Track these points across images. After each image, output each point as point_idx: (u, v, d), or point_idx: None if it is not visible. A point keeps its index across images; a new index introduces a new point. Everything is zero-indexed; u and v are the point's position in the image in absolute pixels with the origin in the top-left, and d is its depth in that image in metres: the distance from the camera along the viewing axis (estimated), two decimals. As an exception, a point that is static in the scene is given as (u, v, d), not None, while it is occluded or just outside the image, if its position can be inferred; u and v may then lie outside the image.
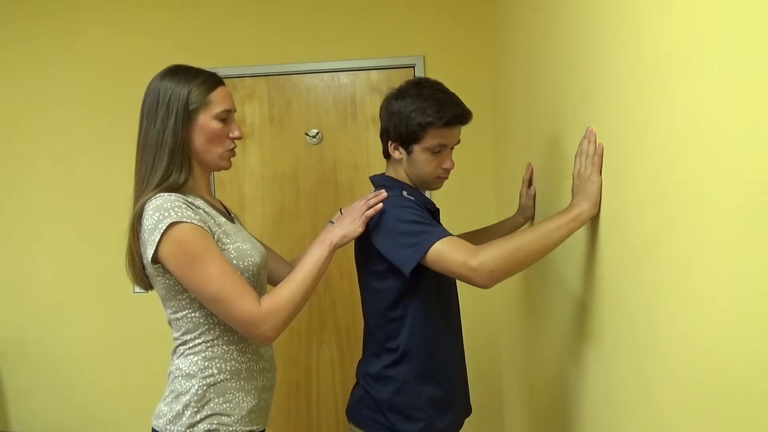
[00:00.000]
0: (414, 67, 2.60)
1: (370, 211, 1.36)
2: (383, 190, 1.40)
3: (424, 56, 2.59)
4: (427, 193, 1.82)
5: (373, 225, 1.37)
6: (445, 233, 1.27)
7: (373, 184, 1.53)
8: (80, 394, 2.67)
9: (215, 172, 1.76)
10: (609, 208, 1.13)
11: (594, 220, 1.19)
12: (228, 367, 1.31)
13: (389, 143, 1.47)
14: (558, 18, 1.44)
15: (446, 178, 1.49)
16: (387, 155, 1.52)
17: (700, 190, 0.75)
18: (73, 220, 2.67)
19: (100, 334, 2.66)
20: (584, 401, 1.30)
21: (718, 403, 0.73)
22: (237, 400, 1.31)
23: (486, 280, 1.18)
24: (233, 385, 1.31)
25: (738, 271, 0.67)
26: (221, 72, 2.78)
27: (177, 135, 1.30)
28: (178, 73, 1.35)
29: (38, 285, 2.68)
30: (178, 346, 1.33)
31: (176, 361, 1.33)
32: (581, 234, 1.27)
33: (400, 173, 1.49)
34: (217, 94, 1.34)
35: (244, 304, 1.22)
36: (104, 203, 2.64)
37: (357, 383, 1.53)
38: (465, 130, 1.49)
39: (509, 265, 1.18)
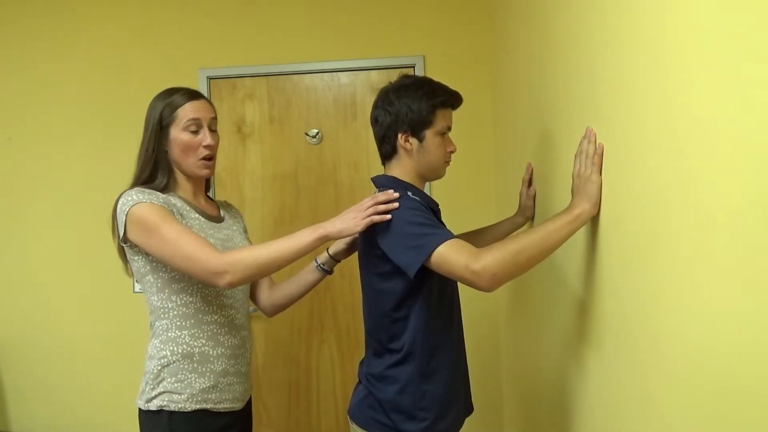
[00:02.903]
0: (414, 67, 2.59)
1: (377, 218, 1.32)
2: (392, 191, 1.36)
3: (424, 56, 2.59)
4: (426, 191, 1.82)
5: (378, 225, 1.36)
6: (450, 235, 1.26)
7: (375, 185, 1.51)
8: (80, 394, 2.67)
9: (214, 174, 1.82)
10: (609, 208, 1.13)
11: (594, 220, 1.19)
12: (180, 350, 1.44)
13: (399, 136, 1.45)
14: (558, 18, 1.44)
15: (450, 163, 1.52)
16: (388, 156, 1.51)
17: (699, 190, 0.75)
18: (72, 220, 2.67)
19: (100, 334, 2.66)
20: (584, 401, 1.30)
21: (717, 403, 0.73)
22: (189, 380, 1.44)
23: (488, 284, 1.18)
24: (185, 366, 1.44)
25: (738, 271, 0.67)
26: (221, 72, 2.77)
27: (150, 151, 1.49)
28: (162, 93, 1.53)
29: (38, 285, 2.68)
30: (150, 329, 1.51)
31: (148, 343, 1.50)
32: (581, 234, 1.27)
33: (404, 171, 1.48)
34: (185, 108, 1.49)
35: (202, 253, 1.33)
36: (104, 203, 2.62)
37: (359, 383, 1.53)
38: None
39: (512, 268, 1.18)
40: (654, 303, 0.91)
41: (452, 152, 1.51)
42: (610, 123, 1.10)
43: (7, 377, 2.70)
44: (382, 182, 1.49)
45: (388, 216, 1.32)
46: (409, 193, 1.41)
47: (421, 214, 1.32)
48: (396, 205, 1.33)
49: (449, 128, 1.49)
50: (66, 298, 2.67)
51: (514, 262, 1.17)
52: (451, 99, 1.48)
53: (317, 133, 2.65)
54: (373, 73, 2.64)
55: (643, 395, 0.96)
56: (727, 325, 0.70)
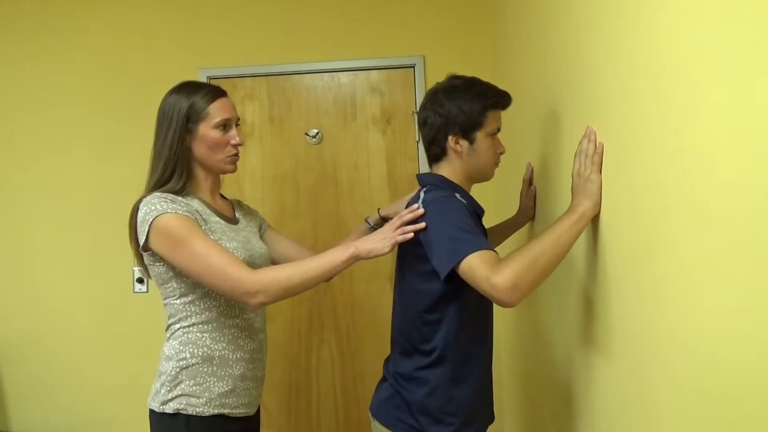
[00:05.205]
0: (414, 67, 2.60)
1: (401, 237, 1.32)
2: (417, 206, 1.34)
3: (424, 56, 2.59)
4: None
5: (421, 221, 1.33)
6: (485, 246, 1.21)
7: (420, 183, 1.48)
8: (80, 395, 2.67)
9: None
10: (609, 207, 1.13)
11: (594, 220, 1.19)
12: (200, 353, 1.42)
13: (449, 138, 1.42)
14: (558, 17, 1.44)
15: (498, 164, 1.50)
16: (437, 158, 1.47)
17: (700, 189, 0.75)
18: (73, 220, 2.67)
19: (100, 335, 2.66)
20: (583, 401, 1.30)
21: (717, 403, 0.73)
22: (208, 384, 1.42)
23: (509, 295, 1.13)
24: (205, 369, 1.42)
25: (738, 271, 0.67)
26: (221, 72, 2.77)
27: (174, 147, 1.44)
28: (182, 89, 1.49)
29: (38, 285, 2.68)
30: (166, 330, 1.48)
31: (164, 344, 1.48)
32: (581, 234, 1.26)
33: (453, 173, 1.45)
34: (215, 106, 1.46)
35: (233, 271, 1.31)
36: (104, 203, 2.64)
37: (384, 380, 1.50)
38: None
39: (531, 276, 1.14)
40: (653, 303, 0.91)
41: (501, 154, 1.48)
42: (609, 122, 1.10)
43: (7, 377, 2.70)
44: (430, 181, 1.45)
45: (410, 235, 1.32)
46: (457, 195, 1.38)
47: (465, 220, 1.29)
48: (422, 225, 1.32)
49: (498, 129, 1.46)
50: (66, 298, 2.67)
51: (533, 270, 1.13)
52: (502, 100, 1.45)
53: (317, 133, 2.65)
54: (373, 73, 2.64)
55: (643, 395, 0.96)
56: (726, 325, 0.70)
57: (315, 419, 2.65)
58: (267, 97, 2.66)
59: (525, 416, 2.07)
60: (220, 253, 1.33)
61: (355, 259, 1.35)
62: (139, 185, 1.50)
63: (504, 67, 2.25)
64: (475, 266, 1.17)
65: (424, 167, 2.59)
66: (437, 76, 1.67)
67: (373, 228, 1.74)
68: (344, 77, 2.65)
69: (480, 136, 1.42)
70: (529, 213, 1.75)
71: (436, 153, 1.47)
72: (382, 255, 1.35)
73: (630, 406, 1.03)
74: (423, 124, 1.47)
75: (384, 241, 1.34)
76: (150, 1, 2.67)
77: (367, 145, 2.63)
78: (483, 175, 1.49)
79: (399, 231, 1.33)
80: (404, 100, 2.62)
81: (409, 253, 1.42)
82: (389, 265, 2.61)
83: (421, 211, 1.33)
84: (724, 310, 0.70)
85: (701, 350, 0.76)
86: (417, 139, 2.60)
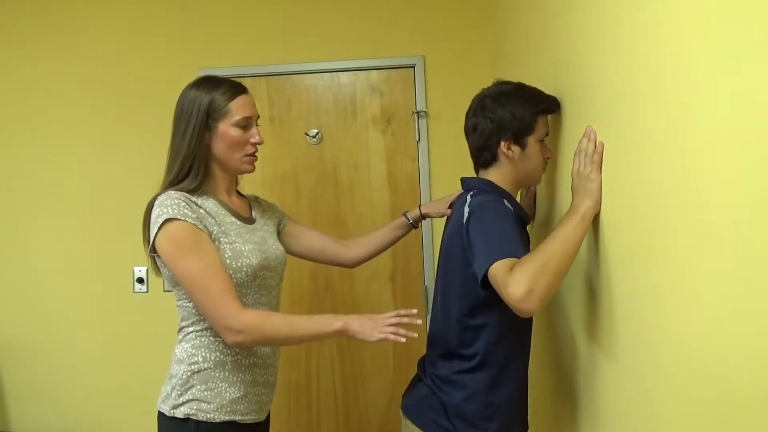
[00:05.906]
0: (414, 67, 2.59)
1: (392, 337, 1.28)
2: (416, 311, 1.33)
3: (424, 56, 2.59)
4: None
5: (472, 220, 1.31)
6: (515, 253, 1.19)
7: (466, 186, 1.47)
8: (80, 395, 2.67)
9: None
10: (609, 207, 1.13)
11: (594, 220, 1.19)
12: (212, 357, 1.39)
13: (501, 144, 1.40)
14: (558, 18, 1.44)
15: (546, 169, 1.49)
16: (486, 164, 1.45)
17: (699, 189, 0.75)
18: (72, 220, 2.67)
19: (100, 334, 2.66)
20: (586, 401, 1.30)
21: (717, 403, 0.72)
22: (219, 389, 1.39)
23: (526, 303, 1.10)
24: (217, 374, 1.39)
25: (738, 271, 0.67)
26: (221, 72, 2.78)
27: (193, 144, 1.39)
28: (202, 84, 1.44)
29: (38, 285, 2.68)
30: (178, 332, 1.45)
31: (176, 346, 1.44)
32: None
33: (502, 178, 1.43)
34: (236, 103, 1.43)
35: (222, 302, 1.30)
36: (104, 203, 2.64)
37: (420, 379, 1.49)
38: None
39: (546, 281, 1.11)
40: (652, 303, 0.91)
41: (548, 158, 1.47)
42: (610, 122, 1.10)
43: (7, 377, 2.70)
44: (477, 185, 1.43)
45: (403, 340, 1.29)
46: (506, 201, 1.36)
47: (507, 226, 1.28)
48: (416, 335, 1.30)
49: (547, 134, 1.45)
50: (66, 298, 2.67)
51: (545, 274, 1.11)
52: (552, 105, 1.43)
53: (317, 133, 2.65)
54: (373, 73, 2.64)
55: (642, 395, 0.96)
56: (725, 325, 0.70)
57: (315, 419, 2.65)
58: (267, 97, 2.66)
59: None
60: (215, 277, 1.31)
61: (342, 334, 1.33)
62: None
63: (504, 67, 2.25)
64: (498, 273, 1.16)
65: (425, 167, 2.60)
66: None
67: (411, 223, 1.73)
68: (344, 77, 2.65)
69: (531, 141, 1.40)
70: (529, 213, 1.75)
71: (486, 159, 1.44)
72: (365, 341, 1.32)
73: (631, 406, 1.03)
74: (472, 130, 1.45)
75: (374, 330, 1.30)
76: (150, 1, 2.67)
77: (367, 145, 2.63)
78: (532, 180, 1.49)
79: (392, 329, 1.29)
80: (404, 100, 2.62)
81: (453, 255, 1.39)
82: (389, 265, 2.61)
83: (419, 321, 1.32)
84: (724, 310, 0.70)
85: (701, 350, 0.76)
86: (417, 139, 2.60)
